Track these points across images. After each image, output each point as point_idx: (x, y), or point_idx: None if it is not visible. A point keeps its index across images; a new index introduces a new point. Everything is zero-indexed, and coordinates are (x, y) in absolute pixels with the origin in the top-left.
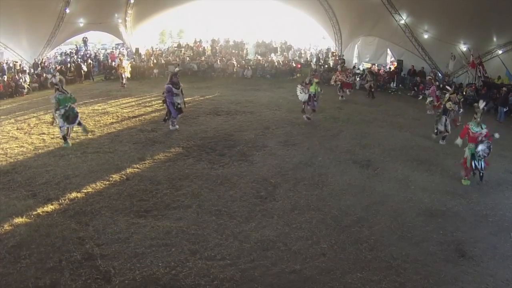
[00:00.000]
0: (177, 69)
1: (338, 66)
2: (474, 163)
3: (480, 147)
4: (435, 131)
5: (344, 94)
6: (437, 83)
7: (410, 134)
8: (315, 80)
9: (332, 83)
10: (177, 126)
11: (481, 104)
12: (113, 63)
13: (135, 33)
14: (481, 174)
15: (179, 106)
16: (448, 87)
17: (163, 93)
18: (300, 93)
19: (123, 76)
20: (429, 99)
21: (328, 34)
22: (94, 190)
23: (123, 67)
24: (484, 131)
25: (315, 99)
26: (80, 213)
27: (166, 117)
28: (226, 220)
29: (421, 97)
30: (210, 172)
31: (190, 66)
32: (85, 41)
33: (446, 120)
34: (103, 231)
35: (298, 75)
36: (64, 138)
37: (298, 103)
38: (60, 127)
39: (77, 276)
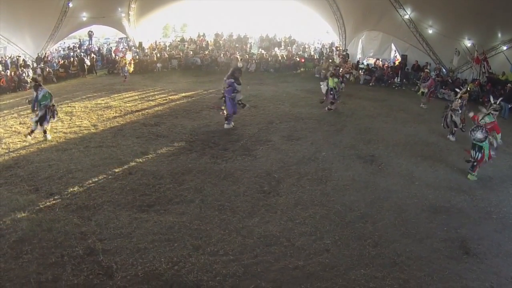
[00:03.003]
0: (240, 64)
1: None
2: (472, 152)
3: (478, 134)
4: (448, 128)
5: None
6: (436, 77)
7: (414, 129)
8: (334, 79)
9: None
10: (232, 124)
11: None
12: (117, 57)
13: (138, 27)
14: (474, 163)
15: (240, 103)
16: (457, 89)
17: (223, 88)
18: (323, 86)
19: (124, 69)
20: (422, 90)
21: (332, 29)
22: (96, 184)
23: (125, 59)
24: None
25: (331, 93)
26: (82, 208)
27: (228, 115)
28: (229, 215)
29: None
30: (213, 166)
31: (193, 60)
32: (90, 35)
33: (452, 116)
34: (106, 226)
35: (301, 69)
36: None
37: (302, 98)
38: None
39: (79, 271)
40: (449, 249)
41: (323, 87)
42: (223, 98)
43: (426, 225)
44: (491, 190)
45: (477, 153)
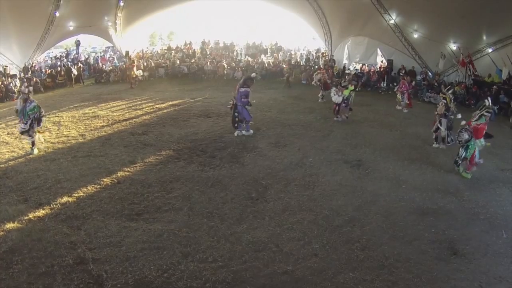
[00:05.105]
0: (254, 74)
1: (321, 65)
2: (460, 150)
3: (465, 136)
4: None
5: (325, 95)
6: (408, 78)
7: (401, 133)
8: (351, 87)
9: (314, 83)
10: (251, 131)
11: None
12: (104, 67)
13: (125, 36)
14: (460, 161)
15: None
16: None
17: (234, 97)
18: (334, 94)
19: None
20: (398, 97)
21: (318, 35)
22: (85, 194)
23: (134, 72)
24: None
25: (345, 101)
26: (71, 218)
27: (236, 125)
28: (217, 222)
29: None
30: (201, 174)
31: (180, 69)
32: (77, 44)
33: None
34: (95, 235)
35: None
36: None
37: (288, 104)
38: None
39: (69, 280)
40: (437, 251)
41: (337, 97)
42: (234, 107)
43: (413, 228)
44: (478, 191)
45: (464, 151)
